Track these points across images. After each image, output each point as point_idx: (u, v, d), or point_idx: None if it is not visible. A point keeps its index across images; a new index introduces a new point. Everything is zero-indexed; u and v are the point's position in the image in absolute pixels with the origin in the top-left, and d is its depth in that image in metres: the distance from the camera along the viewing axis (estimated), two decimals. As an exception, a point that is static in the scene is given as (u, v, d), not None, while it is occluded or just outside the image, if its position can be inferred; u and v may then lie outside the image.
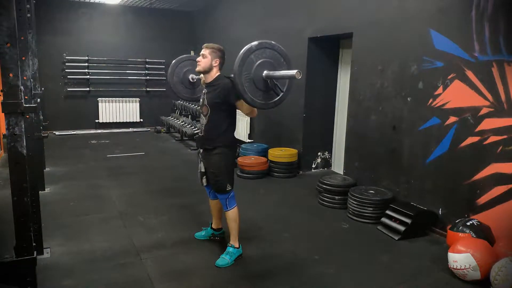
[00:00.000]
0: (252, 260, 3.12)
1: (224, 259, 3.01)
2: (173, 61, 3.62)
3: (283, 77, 2.72)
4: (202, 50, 3.02)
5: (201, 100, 3.12)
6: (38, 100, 4.31)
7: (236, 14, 7.54)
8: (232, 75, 2.73)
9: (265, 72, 2.69)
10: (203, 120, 3.05)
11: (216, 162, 3.00)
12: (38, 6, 7.18)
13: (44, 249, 3.14)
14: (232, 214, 3.05)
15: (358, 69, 4.65)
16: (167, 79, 3.58)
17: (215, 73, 3.03)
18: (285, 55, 2.80)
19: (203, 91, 3.10)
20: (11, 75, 1.99)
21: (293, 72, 2.57)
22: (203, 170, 3.15)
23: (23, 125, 2.03)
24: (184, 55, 3.69)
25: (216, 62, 3.01)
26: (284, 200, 4.65)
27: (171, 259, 3.12)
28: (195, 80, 3.63)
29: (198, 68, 3.04)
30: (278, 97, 2.83)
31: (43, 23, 8.04)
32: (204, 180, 3.18)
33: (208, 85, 3.05)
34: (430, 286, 2.82)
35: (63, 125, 8.73)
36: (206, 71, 3.02)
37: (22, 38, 2.96)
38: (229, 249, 3.07)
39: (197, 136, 3.28)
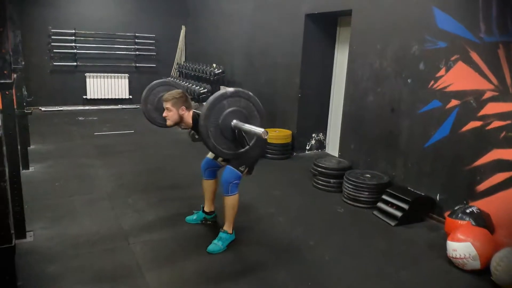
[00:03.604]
0: (245, 246, 3.02)
1: (217, 245, 2.89)
2: (145, 89, 3.42)
3: (249, 132, 2.58)
4: (164, 104, 2.92)
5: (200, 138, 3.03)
6: (15, 75, 4.05)
7: (230, -13, 7.23)
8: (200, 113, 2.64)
9: (234, 121, 2.57)
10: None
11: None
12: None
13: (26, 232, 2.99)
14: (232, 200, 2.89)
15: (357, 48, 4.48)
16: (141, 108, 3.44)
17: (187, 117, 2.95)
18: (260, 108, 2.72)
19: (192, 132, 3.03)
20: (-17, 47, 1.80)
21: (259, 130, 2.44)
22: None
23: (-3, 103, 1.85)
24: (156, 81, 3.47)
25: (183, 110, 2.92)
26: (278, 183, 4.54)
27: (161, 244, 3.00)
28: None
29: (168, 123, 2.98)
30: (244, 149, 2.71)
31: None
32: (220, 158, 3.09)
33: (193, 129, 3.00)
34: (430, 273, 2.75)
35: (49, 101, 8.42)
36: (179, 121, 2.95)
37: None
38: (222, 234, 2.95)
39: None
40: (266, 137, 2.45)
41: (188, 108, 2.94)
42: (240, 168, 2.85)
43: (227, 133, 2.60)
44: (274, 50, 5.93)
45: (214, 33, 7.95)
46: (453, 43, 3.40)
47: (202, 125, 2.52)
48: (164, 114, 2.95)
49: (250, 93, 2.68)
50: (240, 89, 2.67)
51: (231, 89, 2.61)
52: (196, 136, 6.28)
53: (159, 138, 6.45)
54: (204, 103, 2.60)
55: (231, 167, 2.86)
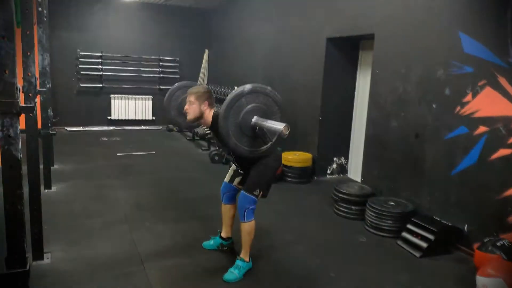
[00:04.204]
0: (262, 275, 2.92)
1: (233, 274, 2.81)
2: (166, 94, 3.39)
3: (269, 129, 2.50)
4: (187, 97, 2.85)
5: (216, 141, 2.97)
6: (41, 97, 4.16)
7: (252, 12, 7.34)
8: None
9: (254, 118, 2.50)
10: (231, 156, 2.95)
11: (257, 167, 2.83)
12: (53, 1, 7.12)
13: (44, 254, 2.98)
14: (248, 227, 2.84)
15: (380, 72, 4.41)
16: (166, 112, 3.41)
17: (208, 114, 2.85)
18: (280, 103, 2.64)
19: (209, 133, 2.95)
20: (6, 72, 1.84)
21: (279, 126, 2.35)
22: (241, 171, 3.00)
23: (18, 127, 1.87)
24: (174, 86, 3.41)
25: (205, 105, 2.81)
26: (298, 208, 4.43)
27: (176, 270, 2.94)
28: None
29: (189, 117, 2.86)
30: (266, 147, 2.62)
31: (58, 18, 7.97)
32: (237, 180, 3.03)
33: (211, 129, 2.91)
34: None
35: (75, 121, 8.65)
36: (199, 117, 2.86)
37: (28, 32, 2.82)
38: (238, 262, 2.87)
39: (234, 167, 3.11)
40: (287, 133, 2.35)
41: (211, 106, 2.85)
42: (254, 192, 2.79)
43: (248, 130, 2.51)
44: (295, 73, 5.93)
45: (236, 57, 8.04)
46: (480, 68, 3.29)
47: (222, 125, 2.44)
48: (185, 107, 2.84)
49: (268, 87, 2.59)
50: (257, 84, 2.58)
51: (248, 86, 2.51)
52: (216, 158, 6.30)
53: (179, 160, 6.48)
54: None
55: (245, 192, 2.81)
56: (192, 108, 2.80)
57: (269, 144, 2.62)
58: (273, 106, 2.60)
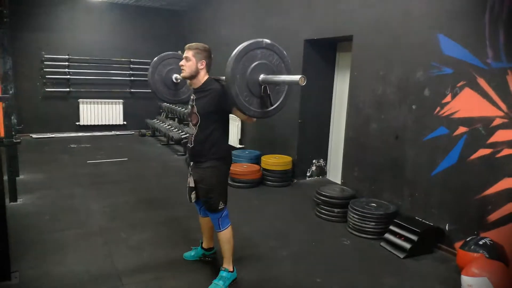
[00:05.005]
0: (248, 285, 2.81)
1: (217, 285, 2.68)
2: (155, 58, 3.21)
3: (283, 83, 2.36)
4: (185, 52, 2.66)
5: (189, 107, 2.77)
6: (4, 103, 3.87)
7: (228, 14, 7.24)
8: (223, 78, 2.38)
9: (262, 76, 2.33)
10: (192, 130, 2.70)
11: (207, 177, 2.66)
12: (15, 1, 6.76)
13: (11, 273, 2.75)
14: (225, 235, 2.73)
15: (358, 74, 4.40)
16: (148, 78, 3.23)
17: (202, 76, 2.68)
18: (291, 73, 2.48)
19: (191, 97, 2.74)
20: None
21: (296, 77, 2.19)
22: (192, 185, 2.77)
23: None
24: (167, 53, 3.26)
25: (202, 64, 2.65)
26: (279, 212, 4.35)
27: (156, 284, 2.78)
28: (179, 80, 3.25)
29: (183, 74, 2.68)
30: (267, 110, 2.43)
31: (21, 19, 7.58)
32: (193, 196, 2.80)
33: (197, 90, 2.70)
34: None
35: (41, 128, 8.23)
36: (193, 76, 2.66)
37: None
38: (222, 273, 2.74)
39: (187, 147, 2.92)
40: (303, 84, 2.20)
41: (208, 68, 2.70)
42: (219, 208, 2.68)
43: (252, 87, 2.30)
44: (272, 75, 5.85)
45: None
46: (460, 69, 3.31)
47: (229, 67, 2.22)
48: (180, 63, 2.66)
49: (285, 52, 2.45)
50: (277, 45, 2.43)
51: (268, 40, 2.37)
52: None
53: (154, 166, 6.27)
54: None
55: (210, 213, 2.72)
56: (188, 65, 2.63)
57: (270, 108, 2.42)
58: (282, 73, 2.43)
